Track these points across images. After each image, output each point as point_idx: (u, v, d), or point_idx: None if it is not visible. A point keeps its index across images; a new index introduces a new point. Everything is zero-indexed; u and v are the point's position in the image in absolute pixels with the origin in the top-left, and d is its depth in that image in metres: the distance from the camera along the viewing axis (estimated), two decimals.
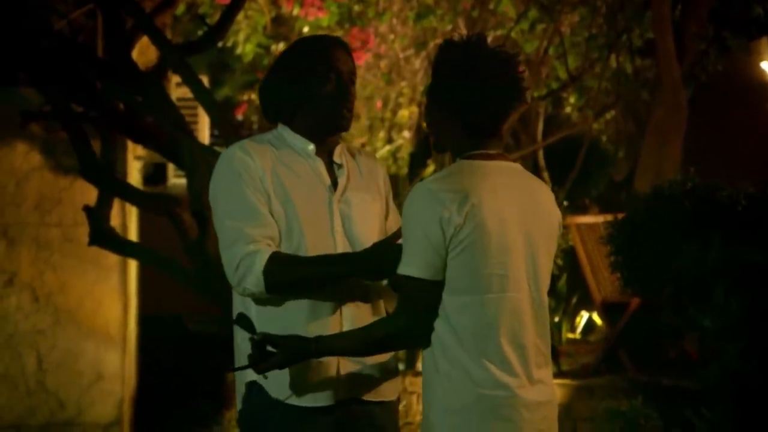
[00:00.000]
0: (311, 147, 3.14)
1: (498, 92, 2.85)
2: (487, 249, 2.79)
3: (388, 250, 2.94)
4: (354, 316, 3.08)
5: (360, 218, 3.13)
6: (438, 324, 2.82)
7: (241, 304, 3.10)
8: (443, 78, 2.88)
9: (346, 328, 3.05)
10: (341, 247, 3.09)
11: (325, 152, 3.16)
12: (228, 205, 3.05)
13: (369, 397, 3.11)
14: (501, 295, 2.81)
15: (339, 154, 3.18)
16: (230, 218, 3.04)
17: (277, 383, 3.02)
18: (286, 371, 2.99)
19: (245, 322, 2.95)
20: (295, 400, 3.03)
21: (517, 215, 2.85)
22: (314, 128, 3.13)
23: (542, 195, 2.94)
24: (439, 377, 2.82)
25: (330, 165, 3.16)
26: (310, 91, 3.10)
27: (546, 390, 2.89)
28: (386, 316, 2.95)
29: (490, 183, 2.83)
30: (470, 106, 2.85)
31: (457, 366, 2.80)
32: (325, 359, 3.00)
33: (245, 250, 2.99)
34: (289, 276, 2.99)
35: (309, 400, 3.03)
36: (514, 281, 2.83)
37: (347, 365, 3.06)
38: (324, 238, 3.07)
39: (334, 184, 3.14)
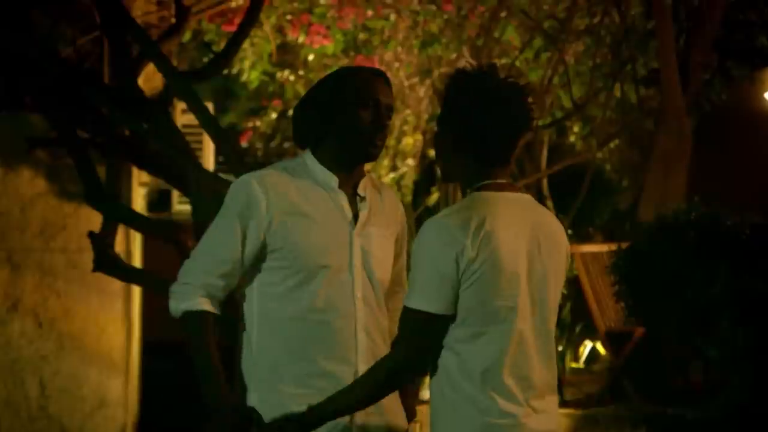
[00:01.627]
0: (335, 180, 3.12)
1: (509, 122, 2.85)
2: (498, 281, 2.78)
3: None
4: (368, 345, 3.09)
5: (379, 253, 3.12)
6: (444, 354, 2.82)
7: (245, 333, 3.11)
8: (455, 107, 2.87)
9: (361, 357, 3.06)
10: (359, 282, 3.09)
11: (350, 184, 3.14)
12: (213, 235, 3.10)
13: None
14: (508, 326, 2.80)
15: (363, 187, 3.16)
16: (207, 247, 3.09)
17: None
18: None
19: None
20: None
21: (527, 246, 2.85)
22: (342, 155, 3.12)
23: (553, 226, 2.94)
24: (445, 406, 2.82)
25: (353, 197, 3.14)
26: (347, 115, 3.08)
27: (551, 420, 2.89)
28: (385, 356, 2.89)
29: (502, 214, 2.82)
30: (481, 135, 2.84)
31: (463, 395, 2.79)
32: None
33: (193, 281, 3.06)
34: (191, 342, 3.06)
35: None
36: (521, 312, 2.82)
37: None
38: (342, 274, 3.07)
39: (356, 217, 3.13)
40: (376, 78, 3.13)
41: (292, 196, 3.07)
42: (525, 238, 2.84)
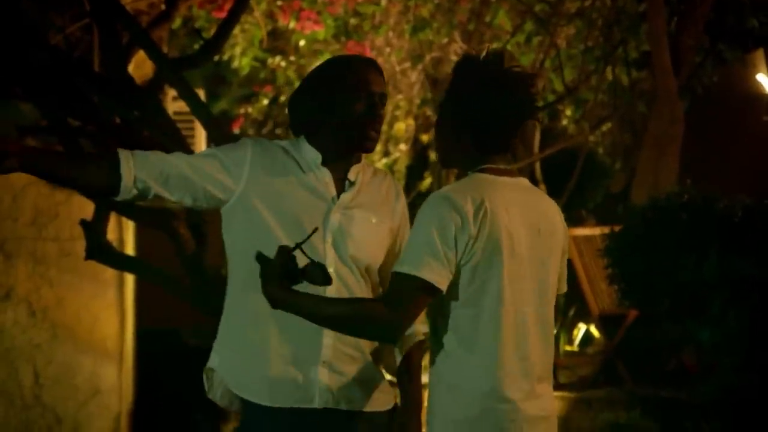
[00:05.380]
0: (319, 158, 3.14)
1: (512, 109, 2.87)
2: (498, 262, 2.80)
3: None
4: None
5: (359, 235, 3.12)
6: (446, 336, 2.83)
7: (225, 298, 3.17)
8: (459, 92, 2.89)
9: (326, 330, 3.04)
10: (331, 258, 3.09)
11: (341, 167, 3.16)
12: (200, 154, 3.23)
13: (355, 407, 3.12)
14: (509, 309, 2.82)
15: (355, 172, 3.18)
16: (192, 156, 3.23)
17: (258, 391, 3.07)
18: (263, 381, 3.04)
19: None
20: (281, 404, 3.06)
21: (527, 229, 2.87)
22: (337, 144, 3.14)
23: (550, 211, 2.96)
24: (444, 389, 2.84)
25: (342, 179, 3.16)
26: (340, 107, 3.11)
27: (547, 405, 2.91)
28: (378, 304, 2.78)
29: (502, 196, 2.85)
30: (483, 121, 2.86)
31: (462, 378, 2.81)
32: (308, 366, 3.04)
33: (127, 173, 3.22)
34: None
35: (294, 402, 3.06)
36: (522, 295, 2.84)
37: (333, 376, 3.08)
38: (312, 248, 3.02)
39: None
40: (368, 67, 3.15)
41: (275, 163, 3.12)
42: (525, 220, 2.86)
